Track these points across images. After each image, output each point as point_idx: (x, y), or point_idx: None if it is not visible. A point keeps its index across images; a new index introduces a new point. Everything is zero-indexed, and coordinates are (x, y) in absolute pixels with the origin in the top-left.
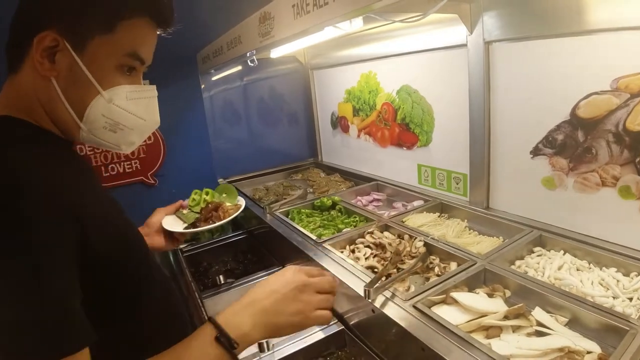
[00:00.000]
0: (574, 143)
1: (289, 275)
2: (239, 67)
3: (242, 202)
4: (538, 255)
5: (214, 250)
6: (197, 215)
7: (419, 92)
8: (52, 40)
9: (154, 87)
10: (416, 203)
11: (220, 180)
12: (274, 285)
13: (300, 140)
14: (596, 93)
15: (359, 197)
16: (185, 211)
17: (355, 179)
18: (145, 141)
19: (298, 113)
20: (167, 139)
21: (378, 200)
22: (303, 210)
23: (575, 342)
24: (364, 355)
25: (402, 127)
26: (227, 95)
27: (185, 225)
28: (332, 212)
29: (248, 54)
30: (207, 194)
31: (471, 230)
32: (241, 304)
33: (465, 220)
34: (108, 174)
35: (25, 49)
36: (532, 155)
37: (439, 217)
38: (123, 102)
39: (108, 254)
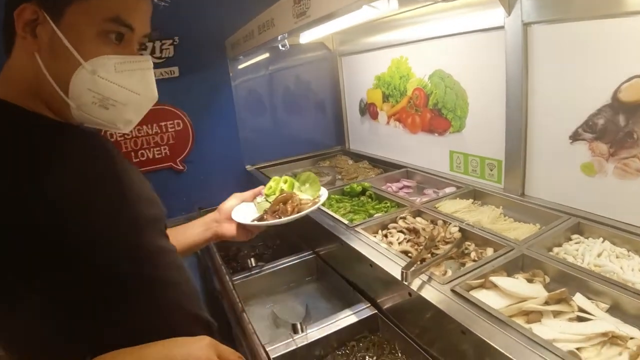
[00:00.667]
0: (614, 128)
1: (195, 348)
2: (267, 55)
3: (324, 194)
4: (576, 243)
5: None
6: (268, 206)
7: (453, 76)
8: (32, 12)
9: (149, 57)
10: (448, 190)
11: (248, 167)
12: (173, 351)
13: (327, 128)
14: (638, 76)
15: (388, 184)
16: (260, 199)
17: (384, 166)
18: (174, 127)
19: (325, 100)
20: (195, 125)
21: (408, 187)
22: (332, 196)
23: (618, 328)
24: (397, 339)
25: (434, 112)
26: (254, 82)
27: (255, 216)
28: (362, 198)
29: (279, 38)
30: (285, 182)
31: (506, 217)
32: (127, 354)
33: (500, 207)
34: (138, 159)
35: (13, 27)
36: (571, 141)
37: (472, 203)
38: (110, 74)
39: (87, 242)
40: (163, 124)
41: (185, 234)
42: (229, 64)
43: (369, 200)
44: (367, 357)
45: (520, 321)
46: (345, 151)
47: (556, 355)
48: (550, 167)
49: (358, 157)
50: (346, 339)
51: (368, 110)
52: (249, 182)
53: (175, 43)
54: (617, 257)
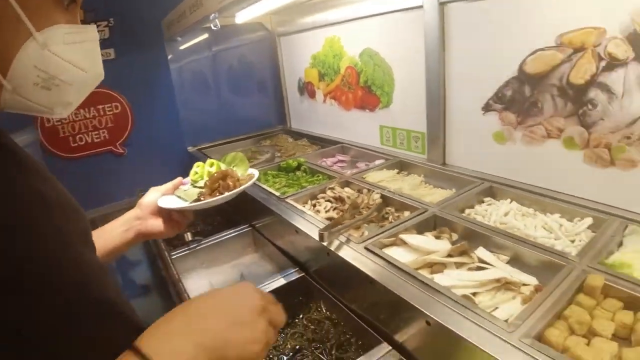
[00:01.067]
0: (521, 98)
1: (245, 294)
2: (206, 35)
3: (255, 172)
4: (488, 205)
5: None
6: (201, 190)
7: (380, 54)
8: None
9: (94, 26)
10: (378, 162)
11: (189, 148)
12: (227, 303)
13: (269, 107)
14: (541, 49)
15: (324, 159)
16: (185, 188)
17: (322, 143)
18: (112, 110)
19: (266, 80)
20: (134, 107)
21: (342, 161)
22: (269, 172)
23: (516, 276)
24: (323, 298)
25: (365, 89)
26: (195, 63)
27: (184, 205)
28: (297, 173)
29: (211, 17)
30: (211, 165)
31: (427, 185)
32: (180, 322)
33: (422, 176)
34: (76, 144)
35: None
36: (483, 112)
37: (397, 173)
38: (60, 47)
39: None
40: (101, 107)
41: (105, 239)
42: (167, 45)
43: (304, 174)
44: (295, 317)
45: (424, 272)
46: (286, 130)
47: (451, 299)
48: (467, 137)
49: (298, 135)
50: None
51: (306, 89)
52: (191, 163)
53: (110, 25)
54: (522, 216)
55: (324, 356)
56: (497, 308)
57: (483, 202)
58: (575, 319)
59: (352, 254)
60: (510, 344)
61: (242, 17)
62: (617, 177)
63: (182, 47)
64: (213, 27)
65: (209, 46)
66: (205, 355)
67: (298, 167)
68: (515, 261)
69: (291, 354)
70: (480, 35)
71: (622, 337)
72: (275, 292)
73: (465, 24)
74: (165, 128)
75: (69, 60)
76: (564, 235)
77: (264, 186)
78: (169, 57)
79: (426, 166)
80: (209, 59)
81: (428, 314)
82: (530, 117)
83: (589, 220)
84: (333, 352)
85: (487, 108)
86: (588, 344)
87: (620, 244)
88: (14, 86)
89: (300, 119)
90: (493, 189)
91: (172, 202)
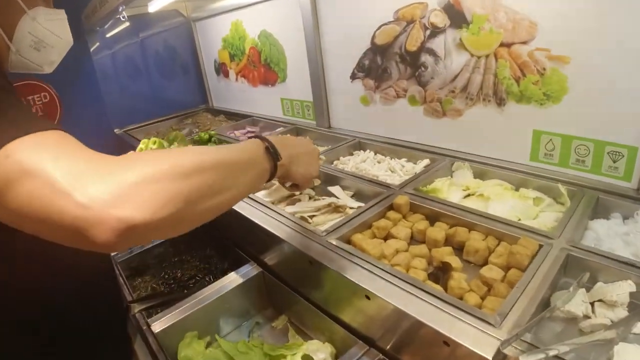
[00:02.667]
0: (375, 66)
1: (309, 142)
2: (127, 24)
3: None
4: (354, 156)
5: None
6: None
7: (273, 35)
8: None
9: (63, 10)
10: (278, 130)
11: (116, 130)
12: (301, 143)
13: (192, 88)
14: (384, 24)
15: (234, 131)
16: None
17: (237, 118)
18: (41, 100)
19: (188, 63)
20: (62, 96)
21: (251, 132)
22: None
23: (344, 202)
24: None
25: (266, 67)
26: (119, 51)
27: None
28: (209, 144)
29: (120, 9)
30: (154, 143)
31: (315, 144)
32: (276, 140)
33: (308, 138)
34: None
35: None
36: (351, 80)
37: None
38: (43, 20)
39: None
40: (30, 97)
41: None
42: (90, 35)
43: (213, 144)
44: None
45: (281, 205)
46: (209, 109)
47: (291, 220)
48: (343, 103)
49: (220, 113)
50: None
51: (221, 69)
52: (120, 145)
53: None
54: (377, 162)
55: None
56: (325, 224)
57: (352, 154)
58: (377, 226)
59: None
60: (320, 244)
61: (155, 6)
62: (448, 125)
63: (106, 36)
64: (122, 19)
65: (132, 34)
66: (289, 162)
67: (209, 139)
68: (358, 194)
69: (187, 278)
70: (343, 13)
71: (420, 240)
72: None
73: (331, 3)
74: (92, 113)
75: (49, 29)
76: (404, 173)
77: None
78: (96, 45)
79: (316, 130)
80: (132, 47)
81: (271, 230)
82: (384, 81)
83: (426, 161)
84: (218, 276)
85: (353, 76)
86: (383, 242)
87: (451, 176)
88: (17, 48)
89: (220, 97)
90: (361, 143)
91: None
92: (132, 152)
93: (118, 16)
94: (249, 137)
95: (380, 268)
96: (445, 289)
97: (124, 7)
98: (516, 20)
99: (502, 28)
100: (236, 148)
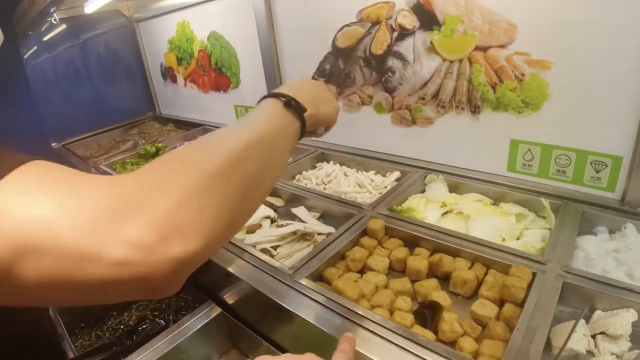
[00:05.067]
0: (337, 71)
1: (322, 84)
2: (64, 26)
3: None
4: (318, 170)
5: None
6: None
7: (224, 37)
8: None
9: None
10: None
11: (54, 144)
12: (305, 81)
13: (137, 95)
14: (347, 25)
15: (184, 142)
16: None
17: (187, 126)
18: None
19: (132, 68)
20: None
21: None
22: (128, 160)
23: (312, 228)
24: None
25: (217, 71)
26: (56, 57)
27: None
28: (157, 158)
29: (51, 11)
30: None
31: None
32: (289, 85)
33: None
34: None
35: None
36: None
37: None
38: None
39: None
40: None
41: None
42: (23, 40)
43: None
44: None
45: (241, 234)
46: (156, 116)
47: (252, 254)
48: None
49: (168, 121)
50: None
51: (168, 74)
52: (58, 160)
53: None
54: (345, 175)
55: (163, 321)
56: (291, 256)
57: (315, 166)
58: (351, 257)
59: None
60: (288, 285)
61: (91, 7)
62: (418, 133)
63: (42, 40)
64: (54, 22)
65: (70, 38)
66: (313, 107)
67: (157, 153)
68: (326, 216)
69: (136, 322)
70: (301, 13)
71: (400, 270)
72: None
73: (287, 3)
74: (27, 127)
75: None
76: (374, 189)
77: (114, 173)
78: (32, 51)
79: None
80: (71, 51)
81: (229, 270)
82: (347, 87)
83: (396, 174)
84: (171, 316)
85: None
86: (360, 278)
87: (423, 191)
88: None
89: (167, 104)
90: (324, 155)
91: None
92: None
93: (50, 19)
94: (258, 100)
95: (361, 315)
96: (435, 331)
97: (56, 8)
98: (493, 22)
99: (477, 30)
100: (257, 118)
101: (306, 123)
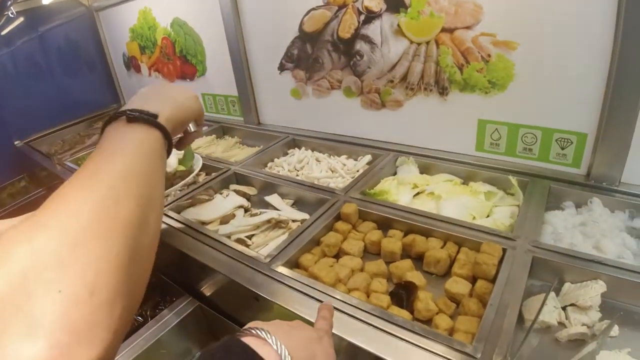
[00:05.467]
0: (305, 55)
1: (166, 82)
2: (21, 19)
3: (198, 162)
4: (290, 156)
5: (15, 212)
6: None
7: (188, 23)
8: None
9: None
10: (203, 129)
11: (17, 142)
12: (149, 86)
13: (101, 87)
14: (313, 9)
15: None
16: None
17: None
18: None
19: (94, 59)
20: None
21: None
22: None
23: (287, 215)
24: None
25: (182, 59)
26: (14, 52)
27: None
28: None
29: (8, 3)
30: None
31: (242, 145)
32: (128, 102)
33: (236, 137)
34: None
35: None
36: (280, 72)
37: (216, 138)
38: None
39: None
40: None
41: None
42: None
43: None
44: None
45: (215, 225)
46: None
47: (227, 245)
48: (272, 97)
49: None
50: None
51: (131, 63)
52: (22, 162)
53: None
54: (317, 161)
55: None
56: (267, 244)
57: (287, 153)
58: (326, 243)
59: None
60: (265, 273)
61: None
62: (388, 116)
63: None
64: (11, 15)
65: (29, 31)
66: (166, 107)
67: None
68: (299, 202)
69: None
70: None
71: (375, 253)
72: None
73: None
74: None
75: None
76: (346, 173)
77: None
78: None
79: (245, 128)
80: (30, 44)
81: (205, 262)
82: (316, 72)
83: (368, 157)
84: (148, 312)
85: (281, 67)
86: (336, 263)
87: (395, 173)
88: None
89: (133, 95)
90: (296, 141)
91: None
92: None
93: (7, 12)
94: (102, 125)
95: (339, 299)
96: (411, 311)
97: (12, 1)
98: (459, 3)
99: (443, 12)
100: (109, 146)
101: (166, 128)
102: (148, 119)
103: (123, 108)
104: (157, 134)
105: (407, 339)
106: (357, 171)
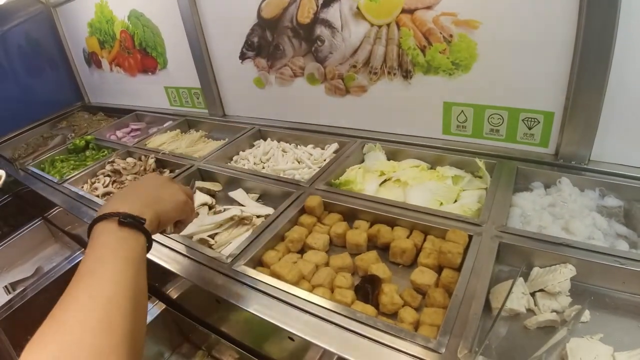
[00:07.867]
0: (265, 43)
1: (151, 175)
2: None
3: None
4: (256, 148)
5: None
6: None
7: (145, 15)
8: None
9: None
10: (167, 124)
11: None
12: (142, 182)
13: (63, 85)
14: None
15: (116, 131)
16: None
17: (118, 114)
18: None
19: (55, 57)
20: None
21: (137, 129)
22: (57, 157)
23: (250, 212)
24: None
25: (142, 52)
26: None
27: None
28: (86, 152)
29: None
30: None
31: (207, 139)
32: (117, 197)
33: (201, 131)
34: None
35: None
36: (241, 61)
37: (180, 133)
38: None
39: None
40: None
41: None
42: None
43: (93, 152)
44: None
45: None
46: (86, 106)
47: (188, 246)
48: (234, 87)
49: (97, 109)
50: None
51: (92, 59)
52: None
53: None
54: (284, 152)
55: None
56: (230, 243)
57: (253, 145)
58: (290, 238)
59: None
60: (226, 275)
61: None
62: (353, 103)
63: None
64: None
65: None
66: (149, 206)
67: (87, 146)
68: (265, 196)
69: None
70: None
71: (341, 245)
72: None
73: None
74: None
75: None
76: (313, 163)
77: (45, 174)
78: None
79: (209, 121)
80: None
81: (166, 266)
82: (277, 60)
83: (335, 146)
84: None
85: (243, 56)
86: (300, 258)
87: (362, 161)
88: None
89: (96, 92)
90: (262, 132)
91: None
92: None
93: None
94: (91, 221)
95: (302, 298)
96: (377, 306)
97: None
98: None
99: None
100: (96, 260)
101: (149, 232)
102: (137, 224)
103: (114, 204)
104: (143, 239)
105: (370, 336)
106: (324, 160)
